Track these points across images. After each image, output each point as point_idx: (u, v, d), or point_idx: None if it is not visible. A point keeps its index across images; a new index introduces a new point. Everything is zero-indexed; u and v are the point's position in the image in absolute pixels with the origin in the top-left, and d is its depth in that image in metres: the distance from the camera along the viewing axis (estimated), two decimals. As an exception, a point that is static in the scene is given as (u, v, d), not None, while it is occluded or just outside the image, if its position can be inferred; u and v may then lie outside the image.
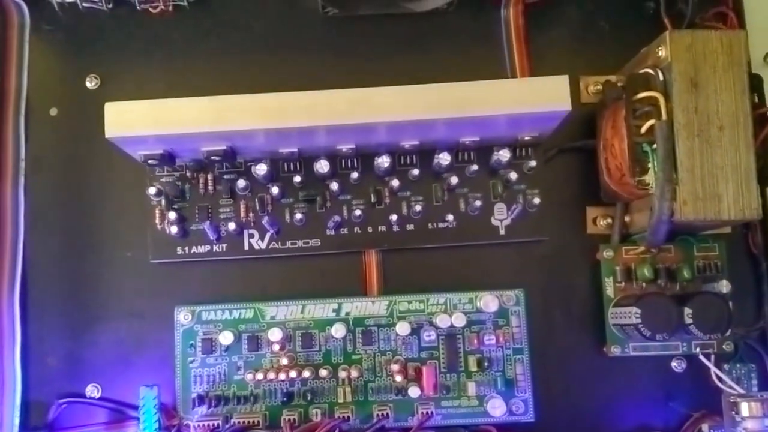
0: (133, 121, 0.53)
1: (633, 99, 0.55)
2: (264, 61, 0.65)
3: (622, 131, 0.56)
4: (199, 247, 0.61)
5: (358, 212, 0.61)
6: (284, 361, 0.59)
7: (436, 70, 0.64)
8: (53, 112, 0.64)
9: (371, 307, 0.61)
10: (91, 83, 0.64)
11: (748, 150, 0.53)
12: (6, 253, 0.61)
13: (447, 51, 0.65)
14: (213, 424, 0.58)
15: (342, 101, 0.54)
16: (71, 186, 0.63)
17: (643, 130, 0.54)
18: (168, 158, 0.58)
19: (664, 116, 0.53)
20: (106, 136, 0.53)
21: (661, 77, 0.54)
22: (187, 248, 0.61)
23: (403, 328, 0.60)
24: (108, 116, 0.53)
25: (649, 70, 0.55)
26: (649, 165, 0.54)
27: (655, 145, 0.53)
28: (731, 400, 0.55)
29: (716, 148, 0.53)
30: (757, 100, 0.57)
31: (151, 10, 0.64)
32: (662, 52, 0.54)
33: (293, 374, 0.59)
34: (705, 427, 0.60)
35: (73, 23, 0.64)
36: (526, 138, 0.59)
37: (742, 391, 0.58)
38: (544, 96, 0.54)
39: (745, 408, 0.54)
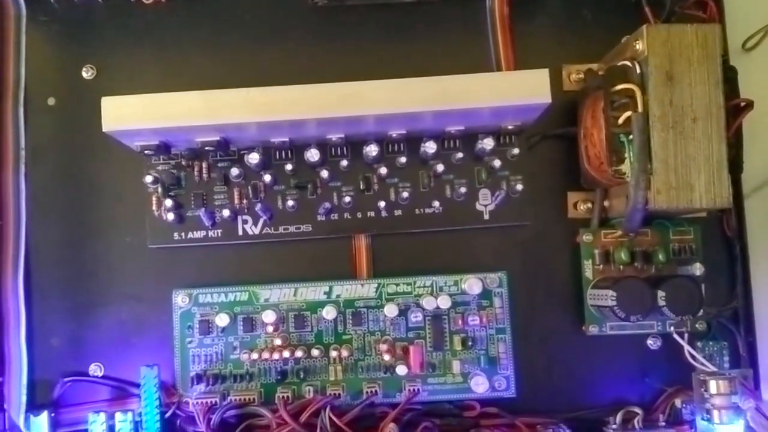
0: (129, 115, 0.55)
1: (611, 90, 0.57)
2: (254, 49, 0.66)
3: (600, 121, 0.58)
4: (195, 232, 0.63)
5: (347, 199, 0.63)
6: (278, 341, 0.62)
7: (423, 58, 0.66)
8: (51, 101, 0.65)
9: (361, 289, 0.63)
10: (87, 73, 0.65)
11: (720, 141, 0.55)
12: (9, 239, 0.63)
13: (434, 40, 0.66)
14: (211, 401, 0.61)
15: (331, 95, 0.55)
16: (71, 174, 0.65)
17: (621, 121, 0.56)
18: (163, 148, 0.60)
19: (640, 108, 0.55)
20: (104, 130, 0.55)
21: (638, 70, 0.56)
22: (183, 234, 0.63)
23: (391, 310, 0.62)
24: (105, 110, 0.55)
25: (627, 63, 0.57)
26: (626, 155, 0.56)
27: (631, 136, 0.55)
28: (701, 378, 0.58)
29: (690, 139, 0.55)
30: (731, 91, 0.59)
31: (144, 0, 0.65)
32: (639, 46, 0.56)
33: (287, 354, 0.61)
34: (678, 401, 0.63)
35: (68, 14, 0.66)
36: (510, 126, 0.61)
37: (713, 369, 0.60)
38: (525, 89, 0.56)
39: (713, 386, 0.57)
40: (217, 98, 0.55)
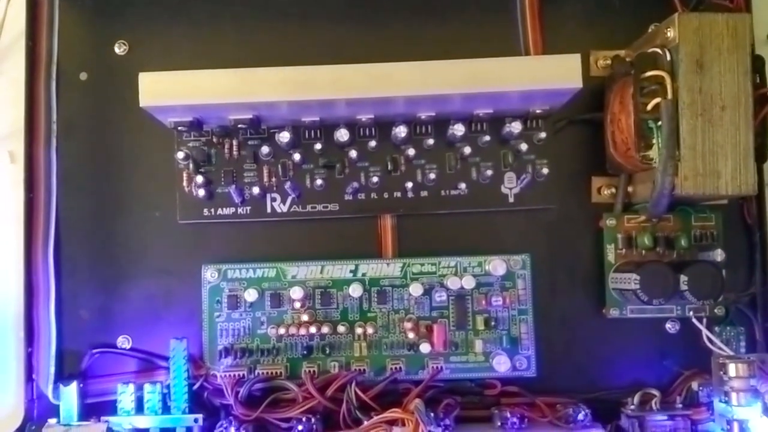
0: (166, 91, 0.56)
1: (641, 77, 0.57)
2: (284, 28, 0.67)
3: (629, 107, 0.59)
4: (224, 209, 0.64)
5: (375, 179, 0.64)
6: (304, 317, 0.63)
7: (452, 41, 0.66)
8: (83, 76, 0.66)
9: (386, 268, 0.64)
10: (119, 49, 0.66)
11: (748, 129, 0.56)
12: (40, 211, 0.64)
13: (463, 23, 0.67)
14: (238, 374, 0.62)
15: (363, 76, 0.56)
16: (101, 148, 0.66)
17: (649, 107, 0.57)
18: (196, 125, 0.61)
19: (669, 95, 0.56)
20: (141, 105, 0.56)
21: (668, 57, 0.57)
22: (213, 210, 0.64)
23: (415, 289, 0.63)
24: (142, 86, 0.56)
25: (658, 50, 0.57)
26: (654, 141, 0.57)
27: (660, 123, 0.56)
28: (720, 361, 0.59)
29: (717, 127, 0.56)
30: (758, 80, 0.60)
31: (177, -23, 0.66)
32: (670, 33, 0.57)
33: (313, 330, 0.63)
34: (695, 384, 0.64)
35: (102, -11, 0.66)
36: (538, 111, 0.62)
37: (730, 353, 0.62)
38: (557, 73, 0.57)
39: (732, 369, 0.58)
40: (253, 76, 0.56)
